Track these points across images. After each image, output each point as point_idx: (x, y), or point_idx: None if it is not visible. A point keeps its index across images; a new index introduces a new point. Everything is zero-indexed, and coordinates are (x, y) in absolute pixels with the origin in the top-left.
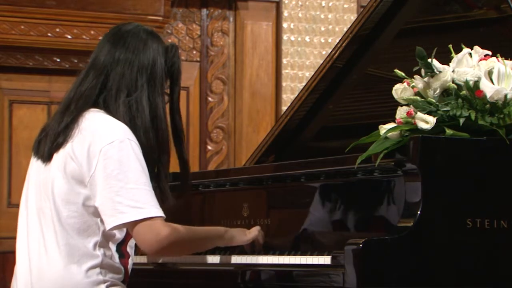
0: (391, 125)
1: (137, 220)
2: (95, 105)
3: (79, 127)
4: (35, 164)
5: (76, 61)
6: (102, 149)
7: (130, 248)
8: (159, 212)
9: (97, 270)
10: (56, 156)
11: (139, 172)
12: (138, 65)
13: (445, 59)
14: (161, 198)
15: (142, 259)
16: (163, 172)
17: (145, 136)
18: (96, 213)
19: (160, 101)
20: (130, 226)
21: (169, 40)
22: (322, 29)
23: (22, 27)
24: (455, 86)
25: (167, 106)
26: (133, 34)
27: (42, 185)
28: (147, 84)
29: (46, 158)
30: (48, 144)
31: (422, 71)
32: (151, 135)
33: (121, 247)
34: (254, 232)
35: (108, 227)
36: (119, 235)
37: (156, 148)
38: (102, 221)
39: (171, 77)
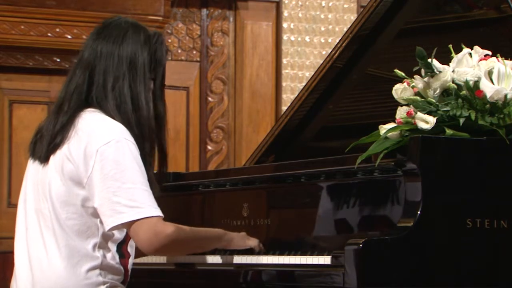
0: (391, 125)
1: (135, 220)
2: (88, 102)
3: (75, 128)
4: (32, 165)
5: (76, 61)
6: (99, 150)
7: (130, 248)
8: (157, 212)
9: (97, 271)
10: (53, 158)
11: (136, 172)
12: (118, 56)
13: (445, 59)
14: None
15: (142, 259)
16: (148, 160)
17: (128, 124)
18: (95, 214)
19: (143, 90)
20: (129, 226)
21: (169, 40)
22: (322, 29)
23: (22, 27)
24: (455, 86)
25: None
26: (114, 26)
27: (40, 186)
28: (128, 73)
29: (43, 159)
30: (45, 146)
31: (422, 71)
32: (134, 124)
33: (121, 247)
34: (254, 242)
35: (107, 227)
36: (119, 235)
37: (140, 137)
38: (101, 222)
39: (155, 64)
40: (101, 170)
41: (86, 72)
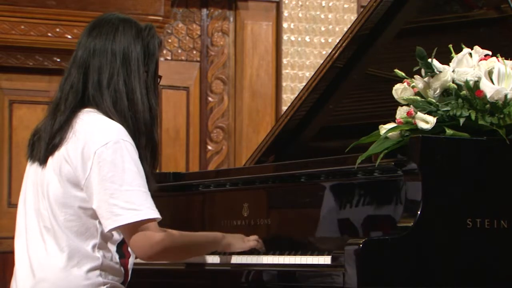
0: (391, 125)
1: (133, 222)
2: (84, 100)
3: (73, 129)
4: (31, 166)
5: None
6: (97, 151)
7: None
8: (155, 214)
9: (97, 272)
10: (51, 159)
11: (134, 173)
12: (111, 52)
13: (445, 59)
14: None
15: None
16: (144, 155)
17: (125, 120)
18: (94, 215)
19: (138, 84)
20: (125, 229)
21: (169, 40)
22: (322, 29)
23: (22, 27)
24: (455, 86)
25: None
26: (105, 23)
27: (39, 187)
28: (122, 69)
29: (42, 161)
30: (43, 147)
31: (422, 71)
32: (130, 119)
33: (121, 247)
34: (253, 242)
35: (105, 229)
36: (118, 236)
37: (136, 131)
38: (100, 223)
39: (147, 56)
40: (99, 172)
41: (80, 70)
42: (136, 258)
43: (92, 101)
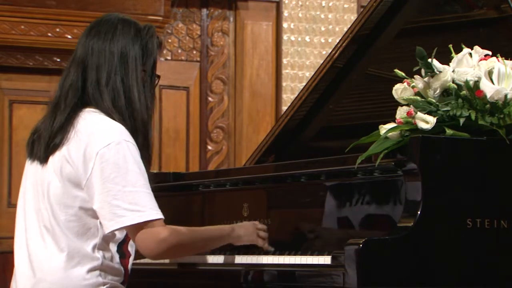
0: (391, 125)
1: (136, 224)
2: (84, 99)
3: (75, 128)
4: (30, 165)
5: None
6: (99, 152)
7: (131, 247)
8: (159, 215)
9: (97, 272)
10: (52, 159)
11: (137, 174)
12: (110, 51)
13: (445, 59)
14: None
15: (143, 260)
16: (142, 154)
17: (123, 119)
18: (95, 215)
19: (135, 83)
20: (130, 230)
21: (169, 40)
22: (322, 29)
23: (22, 27)
24: (455, 86)
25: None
26: (104, 22)
27: (40, 186)
28: (119, 67)
29: (42, 160)
30: (43, 146)
31: (422, 71)
32: (127, 117)
33: (122, 246)
34: (263, 233)
35: (106, 231)
36: (120, 235)
37: (134, 130)
38: (101, 223)
39: (146, 56)
40: (101, 173)
41: (79, 69)
42: (136, 259)
43: (92, 99)
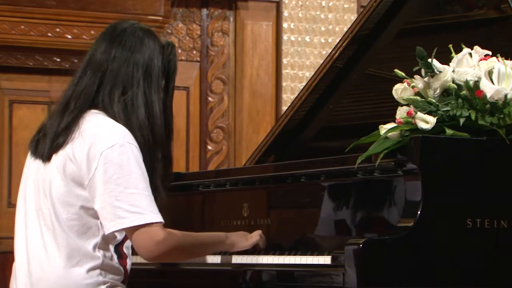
0: (391, 125)
1: (136, 226)
2: (94, 104)
3: (79, 129)
4: (33, 163)
5: (76, 61)
6: (103, 153)
7: (126, 249)
8: (158, 218)
9: (97, 271)
10: (55, 157)
11: (139, 177)
12: (134, 62)
13: (445, 59)
14: (153, 194)
15: (142, 259)
16: (157, 168)
17: (140, 133)
18: (96, 215)
19: (156, 98)
20: (129, 231)
21: (169, 40)
22: (322, 29)
23: (22, 27)
24: (455, 86)
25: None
26: (129, 33)
27: (41, 185)
28: (143, 81)
29: (46, 158)
30: (48, 144)
31: (422, 71)
32: (146, 132)
33: (118, 247)
34: (256, 237)
35: (107, 231)
36: (120, 236)
37: (152, 144)
38: (102, 223)
39: (166, 74)
40: (104, 173)
41: (97, 74)
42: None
43: (101, 104)
